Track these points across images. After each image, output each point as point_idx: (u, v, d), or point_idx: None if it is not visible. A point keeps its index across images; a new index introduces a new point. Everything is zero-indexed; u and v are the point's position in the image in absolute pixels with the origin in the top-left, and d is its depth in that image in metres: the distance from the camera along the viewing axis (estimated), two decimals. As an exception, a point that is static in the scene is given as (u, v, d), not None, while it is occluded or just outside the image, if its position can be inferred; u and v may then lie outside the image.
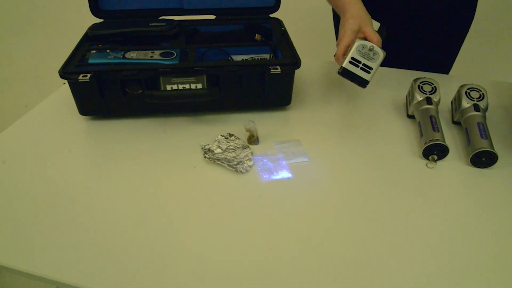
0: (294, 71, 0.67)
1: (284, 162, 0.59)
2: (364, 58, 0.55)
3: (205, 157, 0.59)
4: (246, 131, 0.62)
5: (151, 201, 0.52)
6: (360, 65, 0.55)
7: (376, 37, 0.59)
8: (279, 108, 0.72)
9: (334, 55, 0.60)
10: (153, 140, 0.64)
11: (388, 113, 0.71)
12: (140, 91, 0.64)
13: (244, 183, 0.55)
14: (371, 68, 0.55)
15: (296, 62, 0.66)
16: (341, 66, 0.56)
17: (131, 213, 0.50)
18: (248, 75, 0.66)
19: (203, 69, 0.63)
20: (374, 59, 0.55)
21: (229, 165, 0.57)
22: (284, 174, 0.56)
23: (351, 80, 0.56)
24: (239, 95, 0.68)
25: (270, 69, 0.65)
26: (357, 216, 0.50)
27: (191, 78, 0.63)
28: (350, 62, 0.55)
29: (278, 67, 0.65)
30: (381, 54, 0.55)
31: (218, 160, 0.58)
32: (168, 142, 0.63)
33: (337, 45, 0.60)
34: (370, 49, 0.55)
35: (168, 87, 0.64)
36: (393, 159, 0.60)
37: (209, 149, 0.61)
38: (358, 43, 0.55)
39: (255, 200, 0.52)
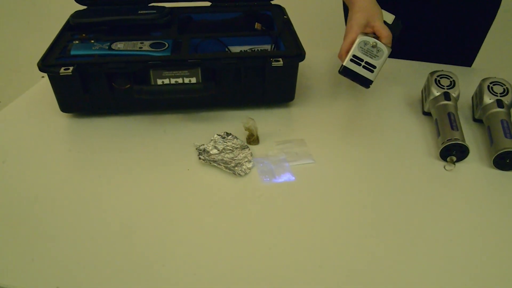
0: (297, 64, 0.68)
1: (286, 164, 0.59)
2: (367, 55, 0.55)
3: (199, 158, 0.59)
4: (245, 130, 0.62)
5: (139, 207, 0.51)
6: (363, 63, 0.55)
7: (386, 32, 0.58)
8: (281, 104, 0.72)
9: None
10: (142, 140, 0.64)
11: (401, 110, 0.71)
12: (128, 85, 0.64)
13: (242, 186, 0.55)
14: (374, 67, 0.55)
15: (300, 54, 0.66)
16: (342, 65, 0.56)
17: (117, 221, 0.49)
18: (247, 68, 0.66)
19: (197, 61, 0.63)
20: (378, 56, 0.55)
21: (226, 167, 0.57)
22: (287, 177, 0.57)
23: (353, 80, 0.56)
24: (237, 90, 0.68)
25: (271, 61, 0.65)
26: (367, 224, 0.50)
27: (184, 72, 0.63)
28: (351, 60, 0.55)
29: (280, 59, 0.65)
30: (385, 51, 0.55)
31: (214, 161, 0.58)
32: (159, 142, 0.63)
33: (343, 40, 0.60)
34: (373, 46, 0.55)
35: (159, 82, 0.64)
36: (407, 161, 0.60)
37: (204, 150, 0.61)
38: (360, 39, 0.55)
39: (255, 205, 0.52)
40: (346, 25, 0.62)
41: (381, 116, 0.69)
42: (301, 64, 0.67)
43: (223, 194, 0.54)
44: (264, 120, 0.68)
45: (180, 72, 0.63)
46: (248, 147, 0.62)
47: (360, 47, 0.55)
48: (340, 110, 0.71)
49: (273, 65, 0.65)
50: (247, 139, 0.63)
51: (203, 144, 0.62)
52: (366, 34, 0.59)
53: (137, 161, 0.59)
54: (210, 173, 0.57)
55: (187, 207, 0.52)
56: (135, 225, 0.49)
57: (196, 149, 0.61)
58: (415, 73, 0.79)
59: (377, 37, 0.59)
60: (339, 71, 0.57)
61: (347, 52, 0.59)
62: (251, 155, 0.60)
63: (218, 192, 0.54)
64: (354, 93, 0.73)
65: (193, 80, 0.64)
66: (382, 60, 0.56)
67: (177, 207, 0.52)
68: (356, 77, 0.56)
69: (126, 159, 0.60)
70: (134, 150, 0.61)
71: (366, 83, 0.56)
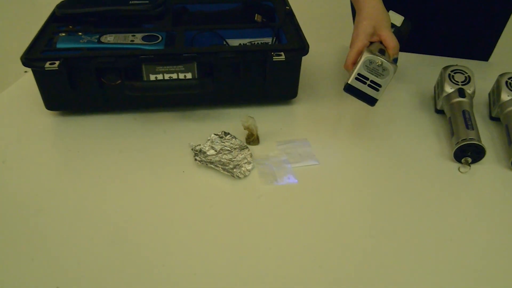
0: (301, 58, 0.68)
1: (289, 166, 0.59)
2: (372, 74, 0.57)
3: (195, 159, 0.59)
4: (244, 129, 0.62)
5: (131, 213, 0.51)
6: (368, 82, 0.57)
7: (392, 43, 0.60)
8: (283, 102, 0.72)
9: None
10: (134, 140, 0.64)
11: (413, 108, 0.71)
12: (119, 81, 0.64)
13: (241, 190, 0.55)
14: (380, 86, 0.57)
15: (303, 48, 0.66)
16: (346, 82, 0.58)
17: (106, 228, 0.49)
18: (247, 63, 0.66)
19: (193, 55, 0.63)
20: (383, 75, 0.56)
21: (224, 169, 0.57)
22: (289, 179, 0.57)
23: (358, 98, 0.58)
24: (235, 86, 0.68)
25: (272, 55, 0.65)
26: (376, 231, 0.50)
27: (179, 67, 0.63)
28: (356, 78, 0.57)
29: (282, 53, 0.65)
30: (391, 70, 0.56)
31: (211, 163, 0.58)
32: (152, 142, 0.63)
33: (349, 49, 0.61)
34: (379, 65, 0.56)
35: (152, 77, 0.63)
36: (419, 163, 0.60)
37: (200, 150, 0.61)
38: (365, 57, 0.57)
39: (255, 209, 0.52)
40: (353, 24, 0.63)
41: (390, 114, 0.69)
42: (304, 58, 0.67)
43: (221, 198, 0.54)
44: (265, 118, 0.67)
45: (174, 67, 0.63)
46: (247, 147, 0.62)
47: (366, 65, 0.57)
48: (347, 107, 0.71)
49: (274, 59, 0.65)
50: (246, 139, 0.63)
51: (199, 145, 0.62)
52: (371, 43, 0.61)
53: (128, 163, 0.59)
54: (206, 175, 0.57)
55: (182, 212, 0.52)
56: (126, 233, 0.49)
57: (192, 149, 0.61)
58: (427, 68, 0.79)
59: (383, 46, 0.61)
60: (344, 88, 0.58)
61: (353, 63, 0.60)
62: (251, 156, 0.60)
63: (215, 196, 0.54)
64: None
65: (189, 75, 0.64)
66: (388, 79, 0.57)
67: (171, 212, 0.52)
68: (361, 95, 0.58)
69: (116, 161, 0.60)
70: (125, 151, 0.61)
71: (371, 101, 0.58)
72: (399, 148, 0.63)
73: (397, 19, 0.67)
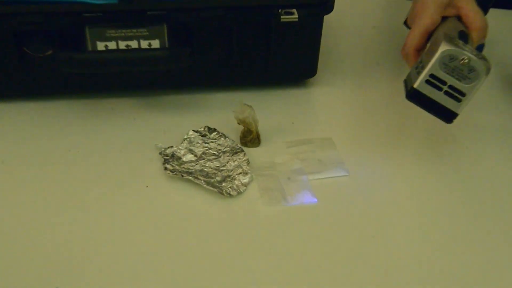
0: (322, 19, 0.67)
1: (304, 178, 0.59)
2: (453, 76, 0.54)
3: (165, 168, 0.58)
4: (239, 124, 0.62)
5: (67, 245, 0.51)
6: (445, 88, 0.54)
7: (479, 21, 0.58)
8: (295, 84, 0.72)
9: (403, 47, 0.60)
10: (73, 139, 0.64)
11: (492, 94, 0.70)
12: (50, 52, 0.63)
13: (234, 214, 0.55)
14: (463, 94, 0.54)
15: (325, 2, 0.65)
16: (411, 87, 0.55)
17: (30, 263, 0.49)
18: (242, 26, 0.65)
19: (162, 14, 0.63)
20: (469, 78, 0.53)
21: (208, 183, 0.57)
22: (305, 198, 0.57)
23: (427, 109, 0.56)
24: (225, 60, 0.68)
25: (280, 14, 0.64)
26: (435, 275, 0.50)
27: (140, 31, 0.62)
28: (427, 81, 0.54)
29: (294, 10, 0.64)
30: (482, 72, 0.53)
31: (189, 174, 0.58)
32: (99, 142, 0.64)
33: (412, 25, 0.60)
34: (465, 63, 0.53)
35: (100, 46, 0.63)
36: (498, 176, 0.60)
37: (172, 155, 0.60)
38: (443, 50, 0.53)
39: (254, 244, 0.52)
40: None
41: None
42: (327, 20, 0.66)
43: (203, 226, 0.54)
44: (269, 108, 0.67)
45: (134, 31, 0.62)
46: (243, 150, 0.61)
47: (443, 63, 0.53)
48: (388, 93, 0.71)
49: (282, 20, 0.64)
50: (241, 138, 0.63)
51: (171, 147, 0.61)
52: (443, 19, 0.58)
53: (63, 171, 0.59)
54: (182, 192, 0.57)
55: (143, 248, 0.51)
56: (62, 272, 0.49)
57: (160, 154, 0.60)
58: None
59: (463, 25, 0.59)
60: (406, 95, 0.56)
61: (417, 49, 0.58)
62: (248, 163, 0.60)
63: (194, 223, 0.54)
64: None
65: (155, 44, 0.63)
66: (477, 85, 0.54)
67: (128, 246, 0.51)
68: (432, 106, 0.55)
69: (46, 167, 0.60)
70: (58, 155, 0.61)
71: (447, 116, 0.56)
72: (468, 154, 0.63)
73: None
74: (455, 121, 0.60)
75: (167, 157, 0.59)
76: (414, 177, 0.60)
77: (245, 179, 0.57)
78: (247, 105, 0.60)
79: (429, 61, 0.55)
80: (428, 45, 0.58)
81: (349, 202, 0.56)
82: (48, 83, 0.67)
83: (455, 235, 0.54)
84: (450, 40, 0.55)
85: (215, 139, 0.62)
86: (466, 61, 0.54)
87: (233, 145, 0.61)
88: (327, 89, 0.71)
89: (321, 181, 0.58)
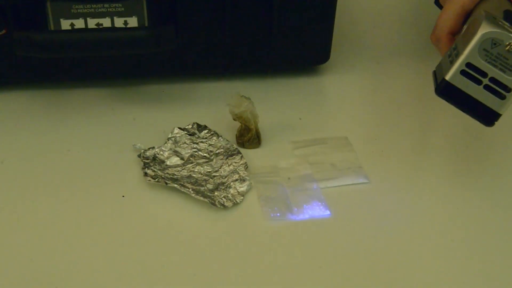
0: None
1: (315, 186, 0.59)
2: (496, 66, 0.52)
3: (145, 174, 0.58)
4: (235, 120, 0.62)
5: (27, 269, 0.51)
6: (485, 81, 0.53)
7: None
8: (303, 70, 0.72)
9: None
10: (33, 137, 0.64)
11: None
12: (3, 31, 0.63)
13: (229, 230, 0.55)
14: (508, 90, 0.53)
15: None
16: (442, 79, 0.54)
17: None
18: None
19: None
20: None
21: (197, 192, 0.57)
22: (316, 211, 0.56)
23: (463, 109, 0.55)
24: (218, 42, 0.68)
25: None
26: None
27: (115, 6, 0.63)
28: (462, 72, 0.53)
29: None
30: None
31: (175, 180, 0.58)
32: (65, 141, 0.63)
33: (443, 4, 0.60)
34: (511, 49, 0.52)
35: (65, 25, 0.63)
36: None
37: (154, 158, 0.61)
38: (484, 30, 0.52)
39: (253, 266, 0.52)
40: None
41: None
42: None
43: (192, 244, 0.54)
44: (271, 101, 0.68)
45: (106, 6, 0.63)
46: (240, 152, 0.61)
47: (484, 49, 0.52)
48: (416, 82, 0.72)
49: None
50: (237, 137, 0.63)
51: (153, 147, 0.61)
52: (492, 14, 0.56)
53: (23, 177, 0.59)
54: (165, 203, 0.57)
55: (118, 272, 0.51)
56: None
57: (139, 156, 0.61)
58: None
59: (510, 3, 0.58)
60: (435, 89, 0.55)
61: (452, 32, 0.58)
62: (246, 168, 0.60)
63: (181, 241, 0.54)
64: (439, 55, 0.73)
65: (132, 22, 0.64)
66: None
67: (98, 274, 0.51)
68: (468, 103, 0.54)
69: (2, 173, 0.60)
70: (18, 157, 0.62)
71: (487, 115, 0.54)
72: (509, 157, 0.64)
73: None
74: (498, 123, 0.59)
75: (148, 161, 0.59)
76: (448, 187, 0.60)
77: (243, 187, 0.57)
78: (245, 97, 0.60)
79: (465, 46, 0.53)
80: (465, 27, 0.57)
81: (370, 216, 0.56)
82: (2, 69, 0.67)
83: (493, 264, 0.54)
84: (492, 20, 0.53)
85: (205, 138, 0.62)
86: None
87: (228, 146, 0.62)
88: (342, 78, 0.72)
89: (335, 190, 0.58)
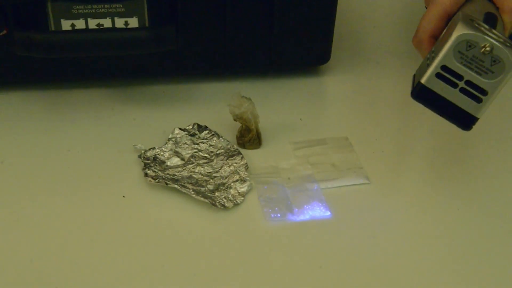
0: None
1: (315, 187, 0.59)
2: (472, 69, 0.52)
3: (146, 174, 0.58)
4: (235, 120, 0.62)
5: (27, 269, 0.51)
6: (461, 84, 0.52)
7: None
8: (304, 71, 0.72)
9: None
10: (31, 136, 0.64)
11: None
12: (4, 32, 0.63)
13: (229, 230, 0.55)
14: (484, 92, 0.52)
15: None
16: (418, 82, 0.54)
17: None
18: None
19: None
20: (492, 72, 0.52)
21: (198, 193, 0.57)
22: (316, 211, 0.56)
23: (440, 113, 0.55)
24: (218, 43, 0.68)
25: None
26: None
27: (115, 6, 0.63)
28: (438, 75, 0.53)
29: None
30: (509, 62, 0.51)
31: (175, 181, 0.58)
32: (65, 142, 0.64)
33: (426, 7, 0.59)
34: (486, 51, 0.51)
35: (66, 25, 0.63)
36: None
37: (154, 159, 0.61)
38: (459, 32, 0.52)
39: (254, 267, 0.52)
40: None
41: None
42: None
43: (192, 245, 0.54)
44: (272, 101, 0.68)
45: (107, 6, 0.63)
46: (240, 153, 0.61)
47: (459, 51, 0.51)
48: None
49: None
50: (238, 137, 0.63)
51: (153, 148, 0.61)
52: (467, 1, 0.57)
53: (21, 177, 0.59)
54: (166, 203, 0.57)
55: (118, 273, 0.51)
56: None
57: (140, 157, 0.61)
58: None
59: (492, 6, 0.58)
60: (411, 92, 0.54)
61: (433, 36, 0.57)
62: (246, 168, 0.60)
63: (181, 241, 0.54)
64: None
65: (133, 22, 0.64)
66: (502, 79, 0.52)
67: (98, 274, 0.51)
68: (445, 107, 0.54)
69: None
70: (13, 156, 0.62)
71: (464, 120, 0.54)
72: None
73: None
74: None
75: (148, 161, 0.59)
76: (448, 187, 0.60)
77: (243, 188, 0.57)
78: (245, 98, 0.60)
79: (441, 49, 0.53)
80: (444, 30, 0.57)
81: (370, 217, 0.56)
82: (3, 69, 0.67)
83: (493, 264, 0.54)
84: (469, 22, 0.53)
85: (206, 139, 0.62)
86: (489, 49, 0.51)
87: (228, 146, 0.62)
88: (343, 78, 0.72)
89: (336, 191, 0.58)
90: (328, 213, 0.56)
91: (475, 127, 0.60)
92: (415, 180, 0.60)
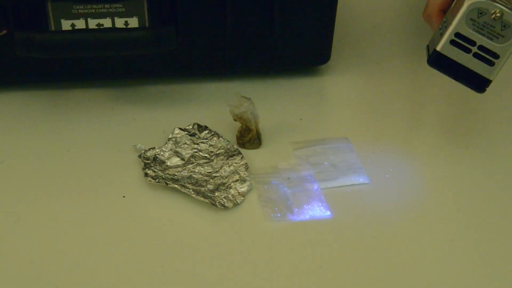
0: None
1: (315, 187, 0.59)
2: (483, 35, 0.54)
3: (146, 174, 0.58)
4: (235, 120, 0.62)
5: (27, 269, 0.51)
6: (474, 49, 0.55)
7: None
8: (304, 71, 0.72)
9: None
10: (31, 136, 0.64)
11: None
12: (4, 32, 0.63)
13: (229, 230, 0.55)
14: (496, 56, 0.55)
15: None
16: (434, 50, 0.56)
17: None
18: None
19: None
20: (503, 36, 0.54)
21: (198, 193, 0.57)
22: (317, 211, 0.56)
23: (454, 77, 0.57)
24: (218, 43, 0.68)
25: None
26: None
27: (115, 6, 0.63)
28: (452, 42, 0.55)
29: None
30: None
31: (175, 181, 0.58)
32: (65, 142, 0.63)
33: None
34: (496, 17, 0.54)
35: (66, 25, 0.63)
36: None
37: (155, 159, 0.61)
38: (471, 1, 0.54)
39: (254, 267, 0.52)
40: None
41: (500, 96, 0.68)
42: None
43: (192, 245, 0.53)
44: (272, 101, 0.68)
45: (107, 6, 0.63)
46: (240, 153, 0.61)
47: (471, 18, 0.54)
48: (419, 83, 0.72)
49: None
50: (238, 137, 0.63)
51: (153, 148, 0.61)
52: None
53: (20, 182, 0.59)
54: (166, 203, 0.57)
55: (118, 273, 0.51)
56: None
57: (140, 157, 0.61)
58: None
59: None
60: (428, 59, 0.57)
61: (443, 9, 0.59)
62: (246, 168, 0.60)
63: (181, 241, 0.54)
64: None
65: (133, 22, 0.64)
66: None
67: (98, 275, 0.51)
68: (459, 72, 0.56)
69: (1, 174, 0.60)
70: (13, 156, 0.61)
71: (478, 83, 0.56)
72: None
73: None
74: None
75: (148, 161, 0.59)
76: (448, 187, 0.60)
77: (243, 188, 0.57)
78: (245, 98, 0.60)
79: (454, 18, 0.55)
80: (454, 2, 0.58)
81: (370, 216, 0.56)
82: (3, 69, 0.67)
83: (493, 265, 0.54)
84: None
85: (206, 139, 0.62)
86: (499, 15, 0.53)
87: (228, 146, 0.62)
88: (343, 78, 0.72)
89: (336, 191, 0.58)
90: (328, 213, 0.56)
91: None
92: (415, 180, 0.61)
